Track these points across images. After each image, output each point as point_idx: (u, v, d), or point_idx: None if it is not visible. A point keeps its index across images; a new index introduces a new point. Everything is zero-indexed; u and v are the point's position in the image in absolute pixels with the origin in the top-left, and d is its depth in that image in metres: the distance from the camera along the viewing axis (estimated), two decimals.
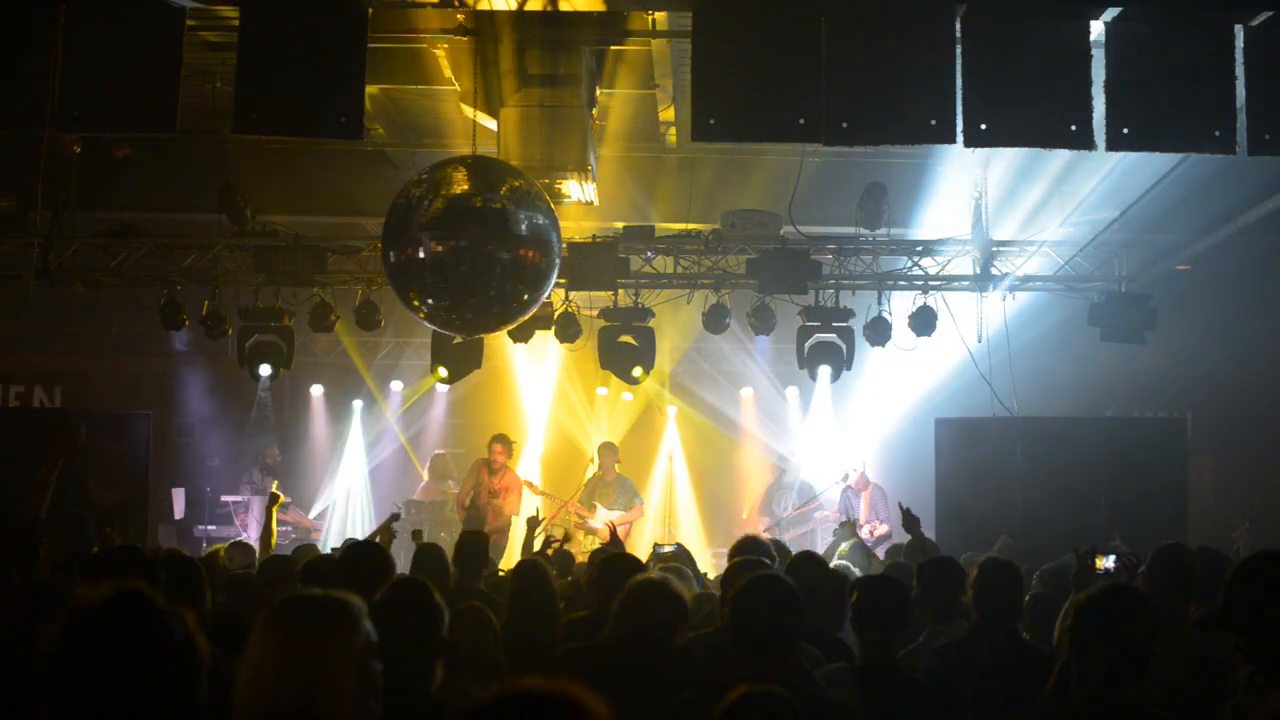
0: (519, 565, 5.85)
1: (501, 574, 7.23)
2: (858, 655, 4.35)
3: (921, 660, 4.70)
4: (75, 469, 5.77)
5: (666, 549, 8.22)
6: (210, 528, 12.57)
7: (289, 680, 2.35)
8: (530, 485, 13.23)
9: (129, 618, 2.18)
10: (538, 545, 8.15)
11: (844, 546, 7.94)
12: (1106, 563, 5.21)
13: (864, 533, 11.70)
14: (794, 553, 6.00)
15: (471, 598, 5.68)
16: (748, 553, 5.44)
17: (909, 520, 6.89)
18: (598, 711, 1.82)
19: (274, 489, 9.27)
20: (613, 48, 8.59)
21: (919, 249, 10.76)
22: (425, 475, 13.75)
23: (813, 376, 10.94)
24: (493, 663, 4.49)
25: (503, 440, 12.02)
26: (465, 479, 12.19)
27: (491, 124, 8.63)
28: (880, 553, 10.81)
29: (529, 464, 14.35)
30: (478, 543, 6.73)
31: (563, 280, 9.75)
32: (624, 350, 10.78)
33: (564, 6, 8.29)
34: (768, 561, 5.24)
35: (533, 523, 8.54)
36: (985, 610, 4.61)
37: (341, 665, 2.38)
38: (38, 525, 5.21)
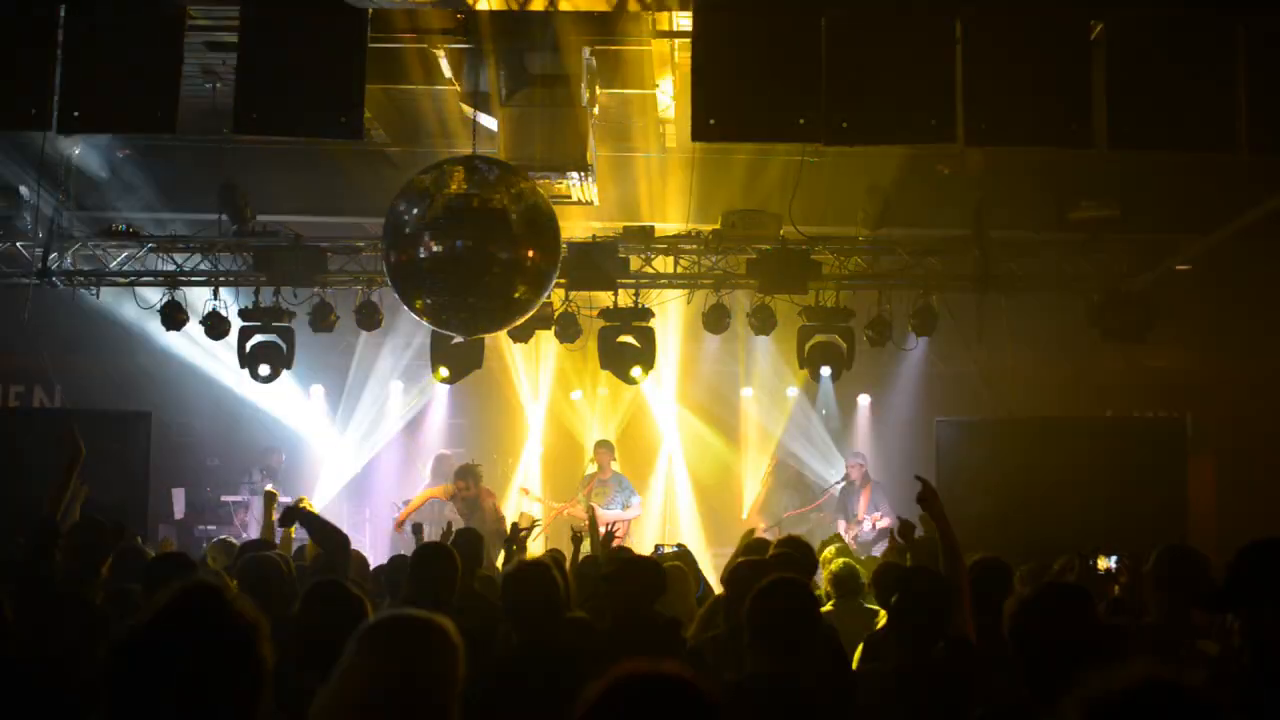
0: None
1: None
2: (896, 657, 4.16)
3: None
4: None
5: (668, 549, 8.23)
6: (210, 528, 12.56)
7: (392, 703, 2.28)
8: (526, 491, 13.26)
9: (208, 615, 2.07)
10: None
11: (827, 551, 7.91)
12: (1109, 563, 5.21)
13: (865, 525, 11.76)
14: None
15: (465, 597, 5.69)
16: (751, 553, 5.47)
17: (905, 529, 6.27)
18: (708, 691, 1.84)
19: (269, 489, 9.25)
20: (612, 47, 8.59)
21: (919, 249, 10.76)
22: (427, 475, 13.74)
23: (814, 376, 10.94)
24: None
25: (463, 474, 12.01)
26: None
27: (491, 124, 8.63)
28: (883, 547, 10.86)
29: (528, 465, 14.37)
30: (472, 542, 6.74)
31: (563, 280, 9.74)
32: (624, 350, 10.78)
33: (564, 6, 8.29)
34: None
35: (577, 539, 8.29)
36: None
37: (446, 692, 2.32)
38: (53, 527, 5.19)
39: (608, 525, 8.38)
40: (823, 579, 6.77)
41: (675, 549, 8.26)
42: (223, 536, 8.53)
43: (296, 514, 6.09)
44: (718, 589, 7.23)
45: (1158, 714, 1.68)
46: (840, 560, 6.84)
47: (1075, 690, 1.73)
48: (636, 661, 1.88)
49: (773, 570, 4.77)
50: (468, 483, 11.88)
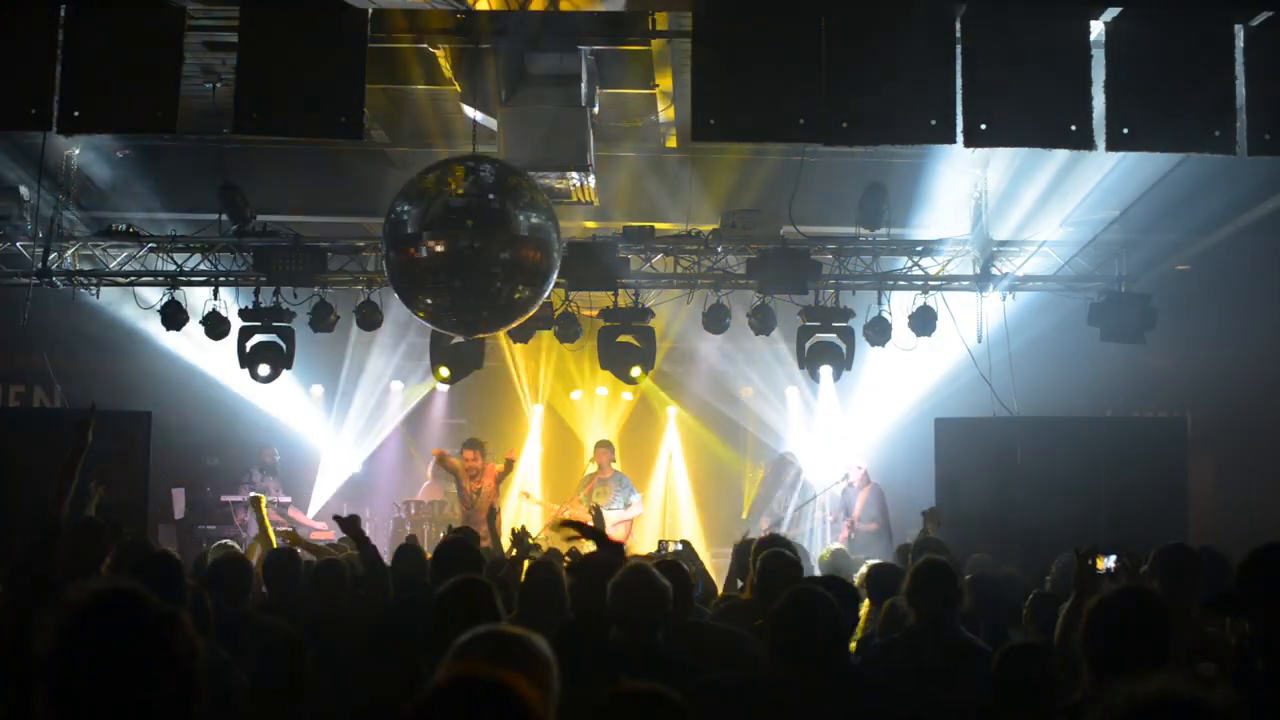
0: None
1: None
2: (914, 621, 4.66)
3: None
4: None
5: (672, 546, 8.25)
6: (210, 528, 12.56)
7: None
8: (527, 495, 13.27)
9: (124, 620, 2.09)
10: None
11: (824, 552, 8.06)
12: (1107, 562, 5.21)
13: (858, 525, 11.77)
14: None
15: None
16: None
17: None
18: (531, 698, 1.86)
19: (253, 495, 9.22)
20: (613, 48, 8.59)
21: (919, 249, 10.76)
22: (428, 475, 13.75)
23: (814, 376, 10.94)
24: None
25: (471, 445, 12.04)
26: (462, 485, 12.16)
27: (491, 124, 8.63)
28: (878, 548, 10.88)
29: (528, 467, 14.36)
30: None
31: (563, 280, 9.74)
32: (624, 350, 10.78)
33: (564, 6, 8.29)
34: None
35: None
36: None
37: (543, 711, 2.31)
38: (54, 527, 5.15)
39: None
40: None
41: (679, 545, 8.28)
42: (224, 540, 8.53)
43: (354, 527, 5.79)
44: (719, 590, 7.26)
45: None
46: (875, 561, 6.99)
47: (1093, 704, 1.72)
48: (472, 665, 1.91)
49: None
50: (476, 453, 11.94)
